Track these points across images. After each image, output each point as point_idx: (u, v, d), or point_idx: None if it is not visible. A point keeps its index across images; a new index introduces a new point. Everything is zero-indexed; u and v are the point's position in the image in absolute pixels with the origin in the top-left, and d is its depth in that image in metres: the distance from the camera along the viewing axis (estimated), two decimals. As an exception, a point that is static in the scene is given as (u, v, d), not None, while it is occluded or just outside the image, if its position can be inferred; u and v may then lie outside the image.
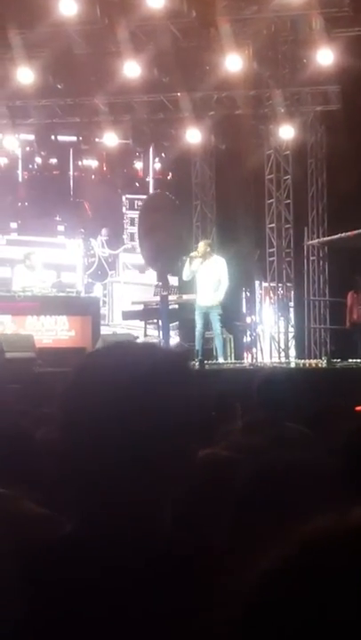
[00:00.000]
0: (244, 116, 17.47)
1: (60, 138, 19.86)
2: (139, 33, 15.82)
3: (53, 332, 15.04)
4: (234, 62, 15.87)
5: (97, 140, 18.96)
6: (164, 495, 1.65)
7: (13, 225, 21.72)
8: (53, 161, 21.70)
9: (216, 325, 14.61)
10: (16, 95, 17.46)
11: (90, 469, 1.64)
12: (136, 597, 1.56)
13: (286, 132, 17.56)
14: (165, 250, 15.91)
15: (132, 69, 16.10)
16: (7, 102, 17.91)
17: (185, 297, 15.82)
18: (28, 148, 20.99)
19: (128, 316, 19.28)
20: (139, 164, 22.92)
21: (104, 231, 22.00)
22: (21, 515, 1.85)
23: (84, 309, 15.49)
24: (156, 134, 18.60)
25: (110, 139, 18.54)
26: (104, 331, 17.14)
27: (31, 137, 19.19)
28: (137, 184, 22.92)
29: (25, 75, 16.42)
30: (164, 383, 1.69)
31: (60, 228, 22.17)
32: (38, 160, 21.76)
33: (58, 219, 22.20)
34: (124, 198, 22.37)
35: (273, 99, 17.16)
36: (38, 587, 1.59)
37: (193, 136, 18.03)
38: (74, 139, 19.85)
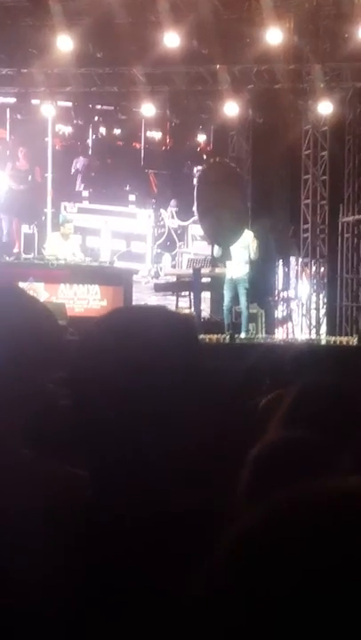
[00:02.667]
0: (282, 90, 17.35)
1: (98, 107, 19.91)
2: (179, 3, 15.73)
3: (85, 300, 15.12)
4: (274, 35, 15.76)
5: (134, 109, 18.94)
6: (174, 454, 1.67)
7: (85, 193, 21.71)
8: (117, 131, 21.77)
9: (242, 299, 14.63)
10: (55, 63, 17.44)
11: (100, 434, 1.67)
12: (149, 558, 1.59)
13: (325, 108, 17.44)
14: (228, 227, 15.57)
15: (171, 40, 16.03)
16: (46, 70, 17.91)
17: (217, 270, 15.82)
18: (96, 118, 21.01)
19: (160, 287, 19.31)
20: (201, 137, 22.78)
21: (173, 202, 21.96)
22: (48, 474, 1.89)
23: (117, 280, 15.54)
24: (193, 106, 18.53)
25: (147, 109, 18.49)
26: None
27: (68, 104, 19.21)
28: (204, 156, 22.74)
29: (64, 42, 16.39)
30: (165, 348, 1.70)
31: (131, 197, 22.12)
32: (102, 130, 21.84)
33: (128, 188, 22.18)
34: (195, 170, 22.26)
35: (312, 73, 17.03)
36: (65, 549, 1.62)
37: (231, 109, 17.94)
38: (111, 108, 19.86)
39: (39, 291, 14.78)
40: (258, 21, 15.75)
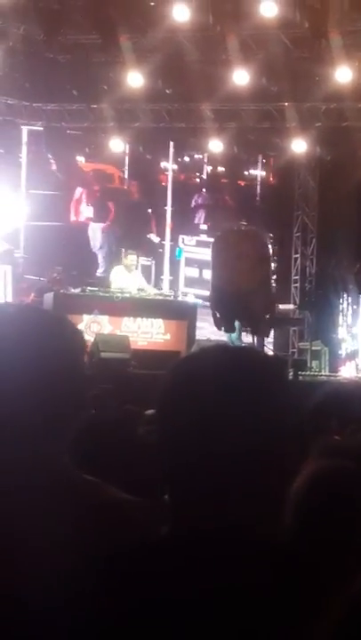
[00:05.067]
0: (351, 128, 17.33)
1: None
2: (250, 41, 15.83)
3: (149, 334, 15.16)
4: (344, 74, 15.76)
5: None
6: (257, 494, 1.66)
7: (203, 227, 22.06)
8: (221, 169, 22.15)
9: None
10: (124, 99, 17.65)
11: (189, 472, 1.66)
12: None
13: (393, 146, 17.37)
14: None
15: (240, 77, 16.12)
16: (115, 105, 18.13)
17: (281, 307, 15.78)
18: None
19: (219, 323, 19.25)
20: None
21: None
22: (120, 515, 1.88)
23: (181, 314, 15.55)
24: (261, 143, 18.60)
25: (215, 146, 18.60)
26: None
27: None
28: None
29: (135, 79, 16.59)
30: (262, 389, 1.70)
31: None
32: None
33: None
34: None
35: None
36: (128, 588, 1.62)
37: (298, 146, 17.97)
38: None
39: (103, 323, 14.87)
40: (328, 60, 15.76)
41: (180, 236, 20.72)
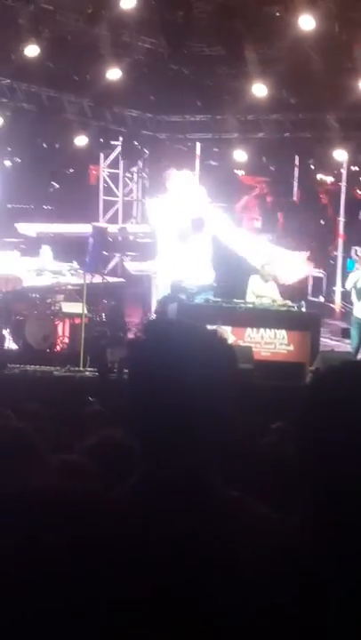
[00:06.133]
0: None
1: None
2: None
3: (272, 345, 15.08)
4: None
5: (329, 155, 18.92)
6: None
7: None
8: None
9: None
10: (248, 109, 17.67)
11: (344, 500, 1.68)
12: None
13: None
14: None
15: (366, 86, 15.94)
16: (239, 116, 18.16)
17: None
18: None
19: (346, 333, 19.01)
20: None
21: None
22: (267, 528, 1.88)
23: (305, 325, 15.42)
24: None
25: (340, 155, 18.43)
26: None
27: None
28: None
29: (259, 89, 16.58)
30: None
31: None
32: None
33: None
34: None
35: None
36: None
37: None
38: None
39: (227, 334, 14.86)
40: None
41: (353, 248, 20.41)
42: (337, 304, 19.48)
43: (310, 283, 19.96)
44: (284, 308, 15.61)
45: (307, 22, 14.55)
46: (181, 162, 19.83)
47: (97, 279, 16.69)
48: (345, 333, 18.72)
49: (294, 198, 21.85)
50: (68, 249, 18.19)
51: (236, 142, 18.85)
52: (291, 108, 17.80)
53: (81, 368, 14.43)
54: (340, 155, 18.39)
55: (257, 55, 15.99)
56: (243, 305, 15.27)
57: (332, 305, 19.19)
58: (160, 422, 1.87)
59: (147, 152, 20.83)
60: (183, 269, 17.12)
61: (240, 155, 19.02)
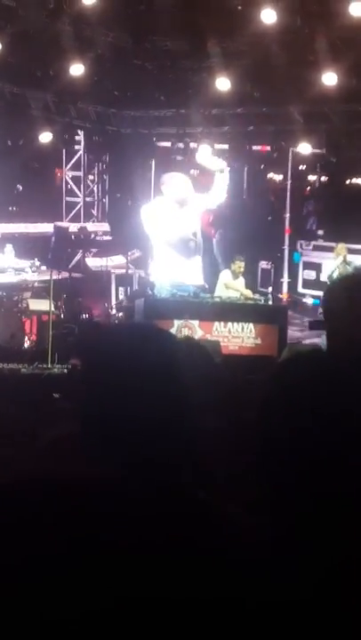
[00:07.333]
0: None
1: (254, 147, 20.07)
2: (338, 42, 15.68)
3: (240, 338, 15.11)
4: None
5: (291, 149, 18.99)
6: None
7: (320, 232, 22.55)
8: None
9: None
10: (212, 103, 17.66)
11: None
12: None
13: None
14: None
15: (329, 79, 15.98)
16: (203, 111, 18.15)
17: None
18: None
19: (314, 325, 19.10)
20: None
21: None
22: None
23: (272, 318, 15.47)
24: (351, 145, 18.40)
25: (304, 148, 18.49)
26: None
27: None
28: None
29: (223, 83, 16.59)
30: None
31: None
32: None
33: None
34: None
35: None
36: None
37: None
38: (267, 148, 20.01)
39: (194, 328, 14.87)
40: None
41: (298, 242, 21.60)
42: (284, 294, 20.21)
43: (259, 275, 21.01)
44: (252, 302, 15.64)
45: (269, 16, 14.58)
46: (146, 158, 19.90)
47: (64, 275, 16.69)
48: (314, 325, 18.86)
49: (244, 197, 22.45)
50: (31, 247, 18.62)
51: (200, 137, 18.85)
52: (255, 101, 17.82)
53: (49, 365, 14.39)
54: (304, 148, 18.46)
55: (220, 49, 16.00)
56: (210, 299, 15.28)
57: (280, 295, 19.81)
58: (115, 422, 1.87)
59: (110, 147, 21.00)
60: (179, 272, 17.12)
61: (205, 149, 18.98)
